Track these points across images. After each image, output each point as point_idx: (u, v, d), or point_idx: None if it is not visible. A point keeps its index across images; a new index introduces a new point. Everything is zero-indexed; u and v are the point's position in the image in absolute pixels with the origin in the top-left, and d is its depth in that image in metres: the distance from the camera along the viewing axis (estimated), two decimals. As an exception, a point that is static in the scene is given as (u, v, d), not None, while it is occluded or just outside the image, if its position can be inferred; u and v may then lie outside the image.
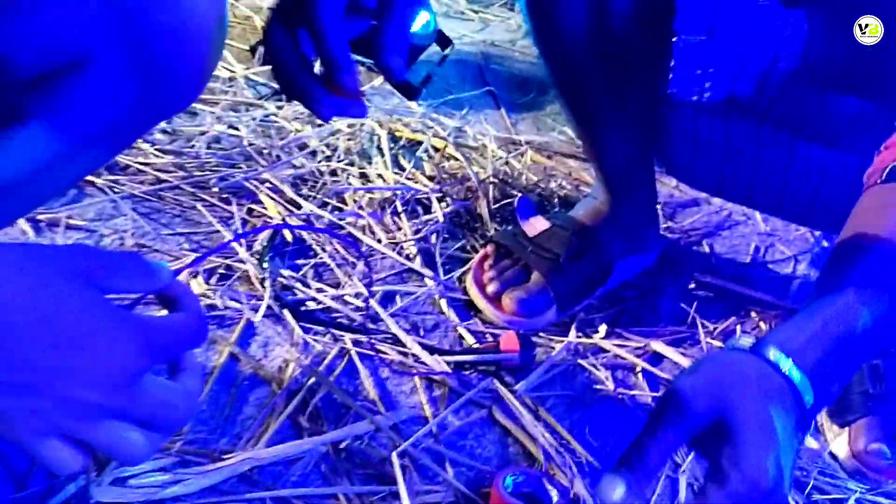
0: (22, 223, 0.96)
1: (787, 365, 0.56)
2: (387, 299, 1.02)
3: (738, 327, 1.08)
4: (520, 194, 1.23)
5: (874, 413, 0.93)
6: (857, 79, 0.86)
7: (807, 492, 0.87)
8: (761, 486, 0.51)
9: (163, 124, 1.26)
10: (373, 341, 0.91)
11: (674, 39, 0.92)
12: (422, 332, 0.98)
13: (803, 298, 1.15)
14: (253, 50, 1.53)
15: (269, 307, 0.94)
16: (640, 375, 0.98)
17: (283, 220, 1.09)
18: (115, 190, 1.09)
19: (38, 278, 0.40)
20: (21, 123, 0.59)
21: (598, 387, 0.95)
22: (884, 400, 0.94)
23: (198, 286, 0.94)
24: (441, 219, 1.17)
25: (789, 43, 0.90)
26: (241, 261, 1.00)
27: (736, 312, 1.12)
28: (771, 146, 0.99)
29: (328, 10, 0.60)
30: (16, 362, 0.39)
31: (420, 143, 1.34)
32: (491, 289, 1.04)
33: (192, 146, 1.22)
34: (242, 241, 1.03)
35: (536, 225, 1.11)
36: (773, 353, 0.56)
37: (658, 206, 1.22)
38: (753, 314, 1.13)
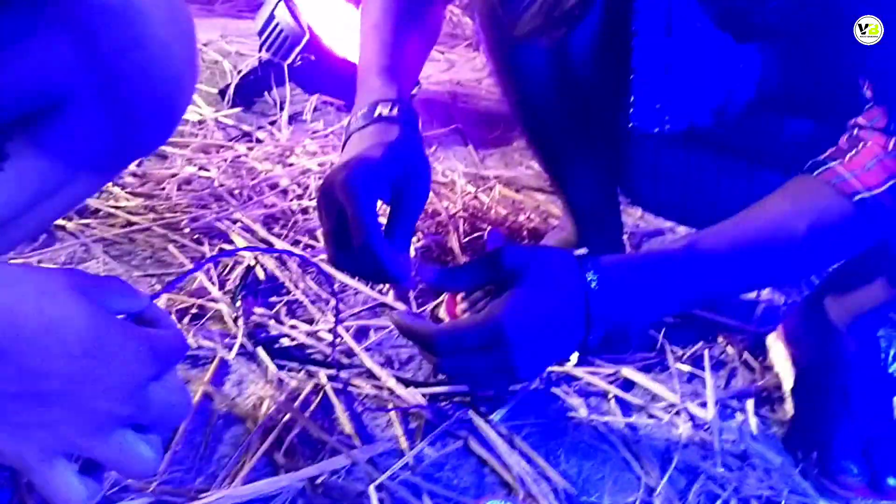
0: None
1: (590, 275, 0.71)
2: (361, 334, 1.02)
3: (706, 352, 1.10)
4: (490, 227, 1.25)
5: (842, 431, 0.95)
6: (811, 102, 0.89)
7: (779, 511, 0.88)
8: (499, 326, 0.67)
9: (132, 168, 1.26)
10: (347, 376, 0.92)
11: (631, 77, 0.95)
12: (396, 366, 0.98)
13: (768, 322, 1.18)
14: (222, 93, 1.55)
15: (242, 345, 0.94)
16: (612, 402, 1.00)
17: (255, 258, 1.10)
18: (87, 233, 1.09)
19: (43, 289, 0.41)
20: (0, 168, 0.60)
21: (572, 414, 0.96)
22: (851, 418, 0.96)
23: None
24: (413, 253, 1.19)
25: (744, 76, 0.93)
26: (214, 300, 1.00)
27: (704, 338, 1.14)
28: (731, 174, 1.02)
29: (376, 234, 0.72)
30: (26, 371, 0.40)
31: (390, 180, 1.36)
32: (464, 320, 1.05)
33: (163, 188, 1.23)
34: (216, 277, 1.03)
35: (507, 257, 1.13)
36: (585, 260, 0.73)
37: (625, 237, 1.24)
38: (720, 339, 1.15)
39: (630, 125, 0.99)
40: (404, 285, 0.77)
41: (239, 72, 1.58)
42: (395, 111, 0.82)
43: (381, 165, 0.75)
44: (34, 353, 0.40)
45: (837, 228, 0.77)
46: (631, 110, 0.97)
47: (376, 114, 0.82)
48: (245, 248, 0.94)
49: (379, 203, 0.74)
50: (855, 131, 0.78)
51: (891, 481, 0.91)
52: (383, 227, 0.76)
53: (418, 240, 1.23)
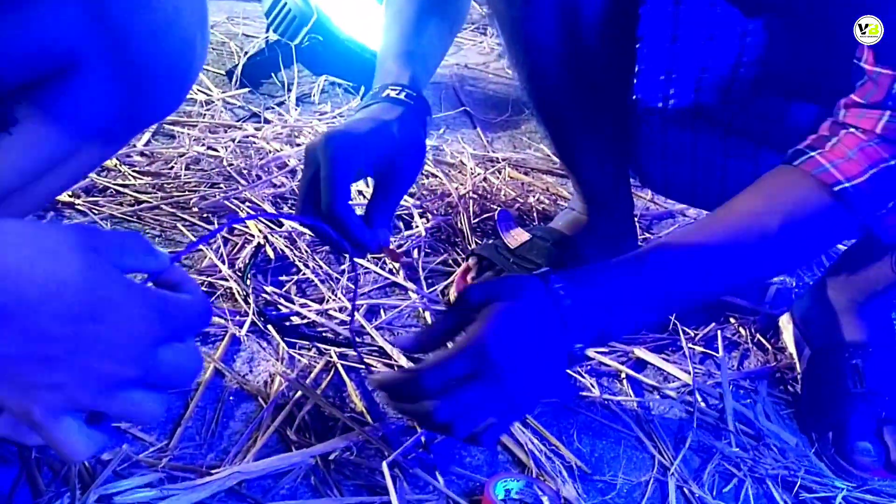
0: None
1: (558, 285, 0.70)
2: (371, 313, 1.02)
3: (719, 333, 1.09)
4: (499, 208, 1.24)
5: (857, 412, 0.94)
6: (817, 87, 0.88)
7: (794, 491, 0.87)
8: (481, 344, 0.65)
9: (140, 146, 1.25)
10: (359, 354, 0.91)
11: (637, 45, 0.94)
12: (407, 345, 0.98)
13: (780, 303, 1.17)
14: (230, 74, 1.54)
15: (253, 323, 0.94)
16: (624, 381, 0.99)
17: (265, 237, 1.09)
18: (95, 211, 1.08)
19: (49, 249, 0.40)
20: (8, 132, 0.59)
21: (585, 393, 0.95)
22: (865, 398, 0.95)
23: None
24: (423, 233, 1.18)
25: (750, 51, 0.92)
26: (224, 278, 1.00)
27: (716, 319, 1.13)
28: (737, 156, 1.01)
29: (343, 206, 0.75)
30: (32, 333, 0.39)
31: (399, 160, 1.35)
32: (474, 300, 1.04)
33: (171, 167, 1.22)
34: (225, 256, 1.02)
35: (517, 237, 1.12)
36: (549, 276, 0.71)
37: (635, 218, 1.23)
38: (732, 320, 1.14)
39: (634, 97, 0.98)
40: (365, 250, 0.79)
41: (246, 53, 1.56)
42: (402, 94, 0.84)
43: (366, 138, 0.78)
44: (38, 315, 0.39)
45: (814, 222, 0.76)
46: (635, 81, 0.95)
47: (383, 94, 0.83)
48: (251, 217, 0.93)
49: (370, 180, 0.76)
50: (842, 114, 0.77)
51: (905, 461, 0.90)
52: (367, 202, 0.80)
53: (428, 221, 1.22)
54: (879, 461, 0.92)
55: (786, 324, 1.11)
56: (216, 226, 1.10)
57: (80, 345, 0.40)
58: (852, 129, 0.76)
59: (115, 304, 0.41)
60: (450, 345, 0.71)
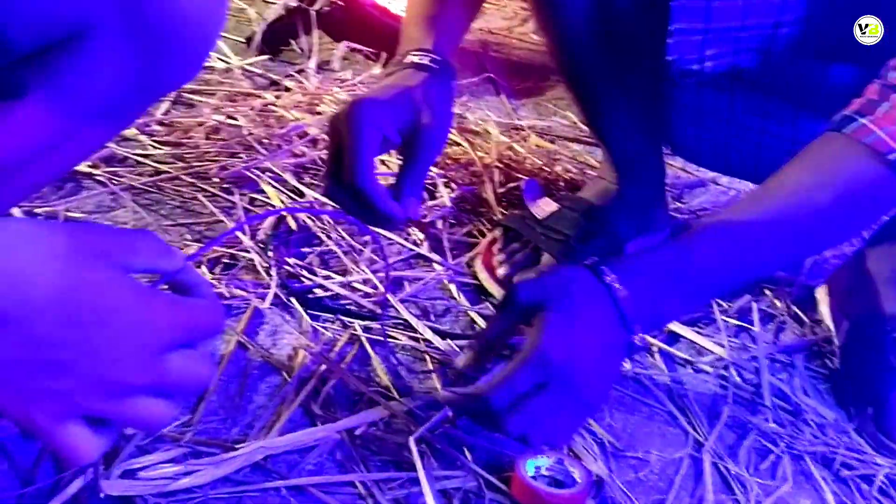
0: (17, 214, 0.94)
1: (610, 277, 0.68)
2: (396, 285, 0.99)
3: (754, 305, 1.06)
4: (525, 178, 1.21)
5: (897, 386, 0.91)
6: (858, 48, 0.84)
7: (834, 468, 0.84)
8: (543, 355, 0.64)
9: (159, 116, 1.23)
10: (385, 327, 0.89)
11: (672, 2, 0.90)
12: (433, 318, 0.95)
13: (817, 275, 1.13)
14: (249, 42, 1.51)
15: (276, 295, 0.92)
16: (657, 356, 0.96)
17: (286, 207, 1.06)
18: (114, 182, 1.07)
19: (52, 251, 0.38)
20: (19, 100, 0.56)
21: (616, 368, 0.93)
22: (906, 373, 0.92)
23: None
24: (447, 203, 1.15)
25: (791, 8, 0.88)
26: (246, 250, 0.98)
27: (750, 291, 1.09)
28: (776, 119, 0.97)
29: (368, 175, 0.73)
30: (34, 339, 0.37)
31: (422, 129, 1.32)
32: (501, 272, 1.01)
33: (191, 137, 1.20)
34: (247, 227, 1.00)
35: (545, 207, 1.09)
36: (599, 267, 0.69)
37: (666, 187, 1.19)
38: (767, 292, 1.11)
39: (669, 58, 0.94)
40: (394, 223, 0.78)
41: (265, 19, 1.53)
42: (426, 60, 0.81)
43: (390, 106, 0.76)
44: (41, 320, 0.37)
45: (868, 193, 0.73)
46: (670, 41, 0.91)
47: (407, 60, 0.81)
48: (289, 210, 0.92)
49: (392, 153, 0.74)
50: (892, 76, 0.73)
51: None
52: (397, 171, 0.78)
53: (452, 191, 1.19)
54: (922, 437, 0.88)
55: (823, 295, 1.07)
56: (237, 198, 1.08)
57: (85, 351, 0.38)
58: None
59: (122, 309, 0.39)
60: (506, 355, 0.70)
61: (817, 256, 1.18)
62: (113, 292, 0.39)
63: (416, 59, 0.82)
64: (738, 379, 0.94)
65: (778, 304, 1.09)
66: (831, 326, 1.04)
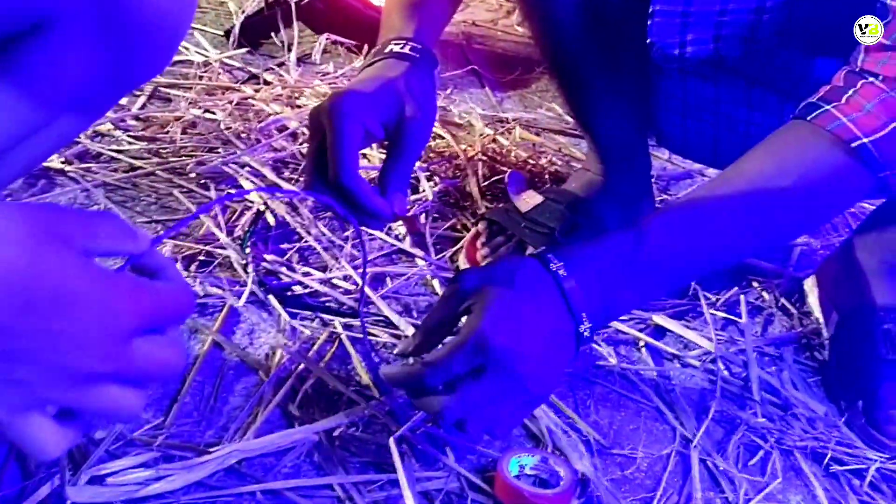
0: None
1: (556, 265, 0.66)
2: (377, 281, 0.97)
3: (742, 297, 1.04)
4: (509, 171, 1.19)
5: (889, 380, 0.90)
6: (843, 40, 0.82)
7: (824, 463, 0.83)
8: (481, 336, 0.61)
9: (135, 110, 1.21)
10: (365, 324, 0.87)
11: None
12: (415, 314, 0.93)
13: (806, 266, 1.12)
14: (227, 35, 1.48)
15: (253, 293, 0.89)
16: (643, 350, 0.94)
17: (265, 203, 1.04)
18: (88, 178, 1.04)
19: (10, 234, 0.35)
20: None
21: (602, 363, 0.91)
22: (897, 365, 0.90)
23: (177, 273, 0.89)
24: (430, 197, 1.13)
25: None
26: (222, 246, 0.95)
27: (738, 283, 1.08)
28: (761, 109, 0.95)
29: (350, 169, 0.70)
30: None
31: (405, 122, 1.29)
32: (485, 266, 0.99)
33: (167, 132, 1.17)
34: (221, 221, 0.98)
35: (529, 200, 1.07)
36: (546, 255, 0.67)
37: (652, 179, 1.18)
38: (755, 284, 1.09)
39: (649, 41, 0.91)
40: (381, 219, 0.74)
41: (244, 12, 1.50)
42: (406, 48, 0.79)
43: (373, 99, 0.73)
44: None
45: (830, 182, 0.71)
46: (650, 23, 0.89)
47: (387, 50, 0.78)
48: (255, 189, 0.89)
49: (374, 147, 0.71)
50: (860, 59, 0.71)
51: (941, 430, 0.86)
52: (381, 165, 0.75)
53: (435, 184, 1.17)
54: (913, 431, 0.87)
55: (811, 287, 1.06)
56: (213, 193, 1.05)
57: (45, 338, 0.36)
58: (871, 79, 0.70)
59: (82, 294, 0.36)
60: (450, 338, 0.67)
61: (804, 247, 1.16)
62: (73, 276, 0.37)
63: (396, 49, 0.79)
64: (726, 373, 0.92)
65: (766, 296, 1.07)
66: (820, 318, 1.03)
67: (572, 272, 0.66)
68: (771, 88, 0.94)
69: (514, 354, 0.62)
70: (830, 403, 0.92)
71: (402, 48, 0.79)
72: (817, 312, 1.03)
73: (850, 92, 0.70)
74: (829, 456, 0.83)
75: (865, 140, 0.68)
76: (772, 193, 0.70)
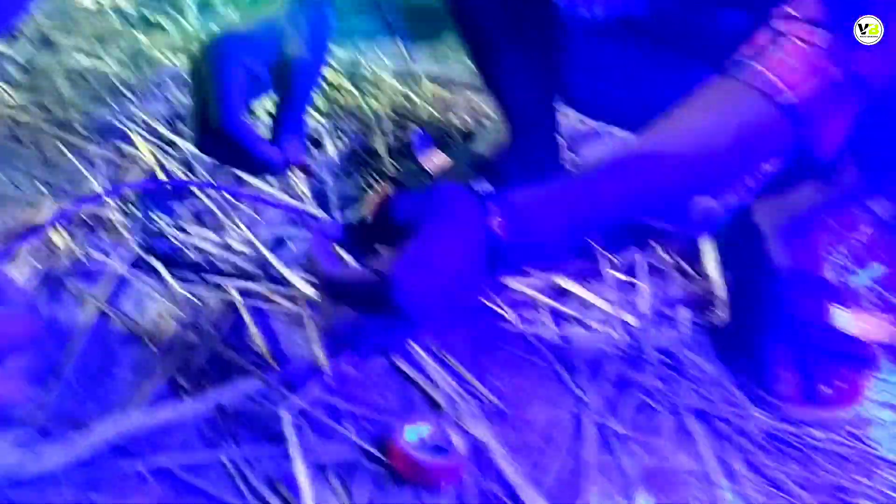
0: None
1: (494, 220, 0.64)
2: (277, 244, 0.94)
3: (641, 258, 1.06)
4: (416, 128, 1.17)
5: (778, 340, 0.93)
6: None
7: (713, 423, 0.86)
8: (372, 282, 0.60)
9: (18, 58, 1.12)
10: (262, 290, 0.84)
11: None
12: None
13: (704, 227, 1.14)
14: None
15: (141, 258, 0.85)
16: (544, 311, 0.95)
17: (157, 159, 0.99)
18: (-40, 133, 0.97)
19: None
20: None
21: (504, 325, 0.91)
22: (787, 326, 0.94)
23: (58, 237, 0.84)
24: (335, 156, 1.10)
25: None
26: (108, 207, 0.90)
27: (638, 244, 1.09)
28: (667, 68, 0.96)
29: (234, 117, 0.65)
30: None
31: (310, 75, 1.25)
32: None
33: (53, 82, 1.10)
34: (107, 182, 0.93)
35: (435, 159, 1.05)
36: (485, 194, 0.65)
37: (560, 139, 1.17)
38: (655, 245, 1.11)
39: (556, 1, 0.90)
40: (273, 169, 0.69)
41: (139, -49, 1.41)
42: None
43: (253, 39, 0.67)
44: None
45: (759, 135, 0.72)
46: None
47: None
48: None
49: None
50: (780, 25, 0.72)
51: (825, 390, 0.90)
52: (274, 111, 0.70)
53: (340, 142, 1.14)
54: (798, 390, 0.91)
55: (709, 248, 1.08)
56: (101, 149, 0.99)
57: None
58: (794, 39, 0.71)
59: None
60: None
61: (703, 209, 1.19)
62: None
63: None
64: (623, 335, 0.94)
65: (665, 257, 1.09)
66: (717, 280, 1.05)
67: (510, 226, 0.65)
68: (676, 46, 0.94)
69: (410, 310, 0.61)
70: (723, 364, 0.95)
71: None
72: (714, 274, 1.06)
73: (774, 49, 0.71)
74: (716, 415, 0.86)
75: (790, 93, 0.69)
76: (702, 145, 0.71)
